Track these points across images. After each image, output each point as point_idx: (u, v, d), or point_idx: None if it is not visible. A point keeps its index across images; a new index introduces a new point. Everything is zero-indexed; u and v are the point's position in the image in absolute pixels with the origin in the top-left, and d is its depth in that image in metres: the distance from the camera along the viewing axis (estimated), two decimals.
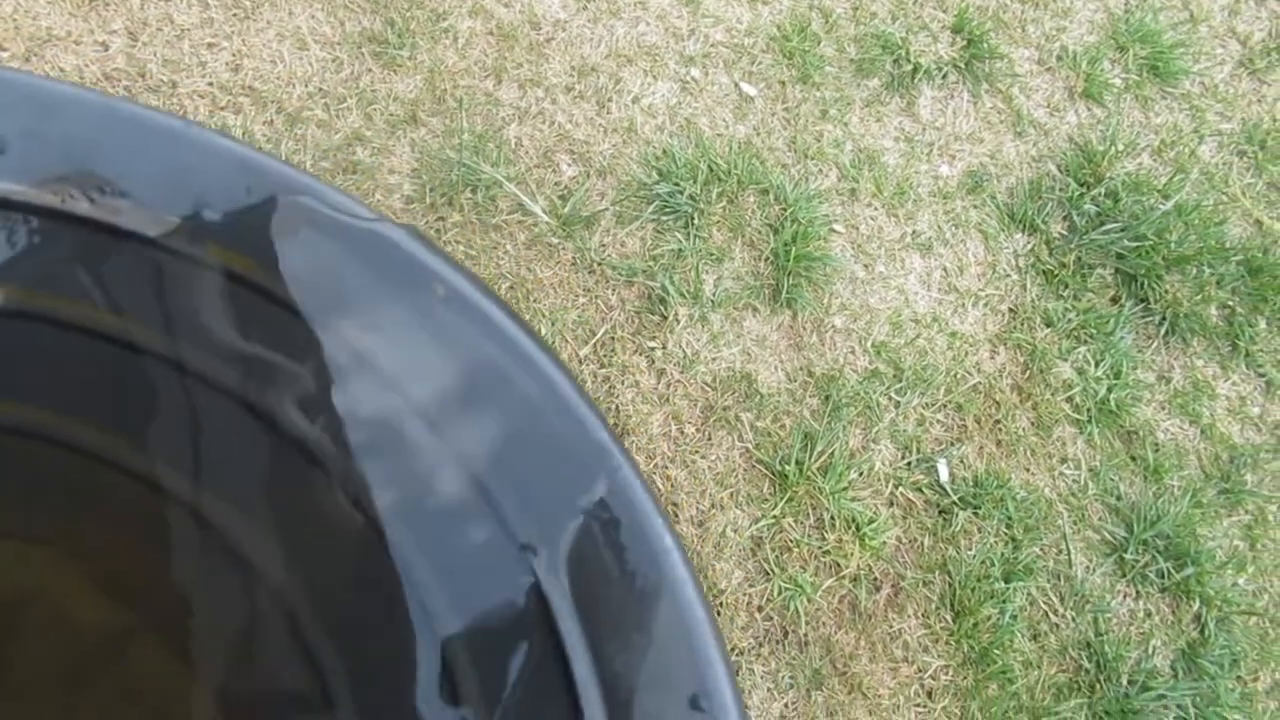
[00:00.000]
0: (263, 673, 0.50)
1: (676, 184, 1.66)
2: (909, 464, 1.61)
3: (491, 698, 0.44)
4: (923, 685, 1.50)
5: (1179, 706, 1.54)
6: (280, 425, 0.47)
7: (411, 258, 0.48)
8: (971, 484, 1.62)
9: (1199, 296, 1.83)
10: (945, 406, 1.66)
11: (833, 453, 1.56)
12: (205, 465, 0.49)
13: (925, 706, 1.49)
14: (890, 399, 1.64)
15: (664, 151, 1.69)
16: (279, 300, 0.47)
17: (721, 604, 1.45)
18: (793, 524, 1.53)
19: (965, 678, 1.51)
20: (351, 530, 0.46)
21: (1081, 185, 1.86)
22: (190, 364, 0.47)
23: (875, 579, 1.54)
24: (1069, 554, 1.62)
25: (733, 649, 1.44)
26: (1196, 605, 1.62)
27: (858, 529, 1.53)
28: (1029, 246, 1.81)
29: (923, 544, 1.57)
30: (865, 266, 1.72)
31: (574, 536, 0.45)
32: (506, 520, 0.46)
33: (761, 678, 1.45)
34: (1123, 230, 1.82)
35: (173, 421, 0.48)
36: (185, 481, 0.49)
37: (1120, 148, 1.91)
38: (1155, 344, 1.80)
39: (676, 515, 1.50)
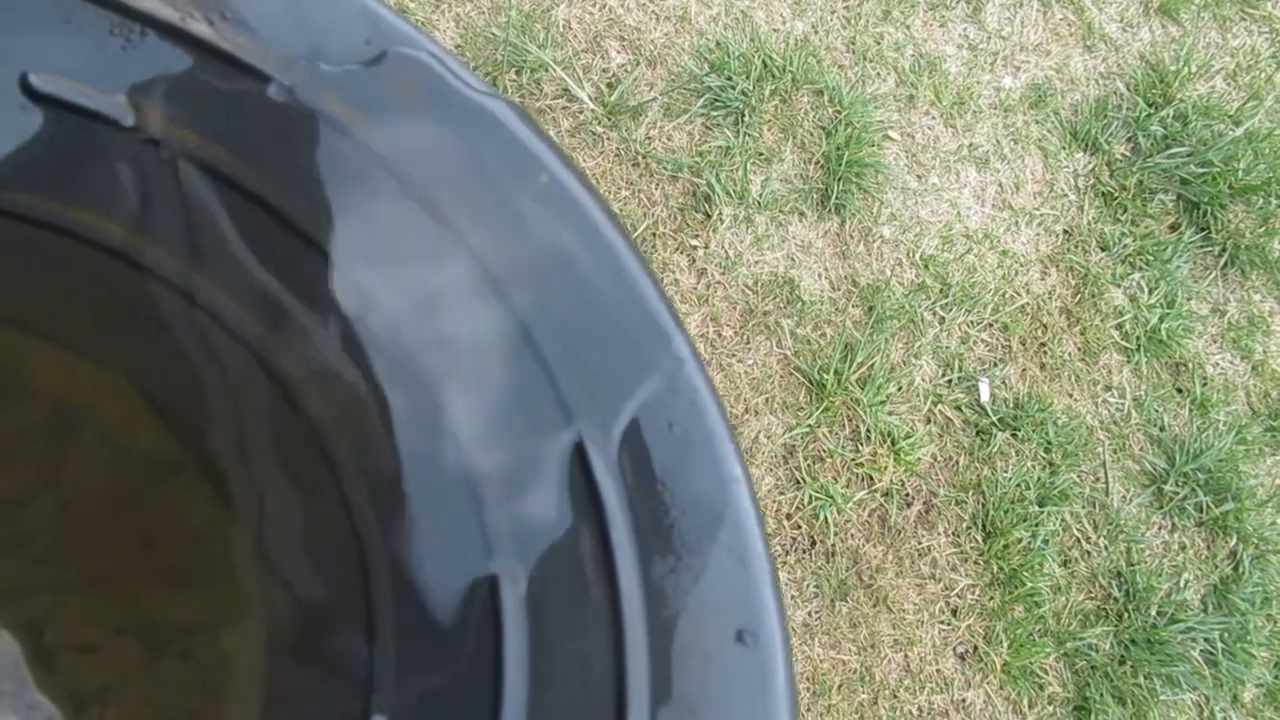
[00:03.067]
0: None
1: (729, 78, 1.59)
2: (950, 381, 1.57)
3: (534, 602, 0.42)
4: (948, 603, 1.48)
5: (1206, 640, 1.52)
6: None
7: (520, 141, 0.46)
8: (1012, 406, 1.58)
9: (1263, 229, 1.75)
10: (991, 326, 1.62)
11: (873, 365, 1.52)
12: None
13: (949, 624, 1.47)
14: (935, 314, 1.59)
15: (718, 44, 1.62)
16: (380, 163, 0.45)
17: None
18: (827, 434, 1.49)
19: (992, 598, 1.49)
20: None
21: (1150, 106, 1.78)
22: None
23: (908, 494, 1.51)
24: (1107, 482, 1.58)
25: None
26: (1233, 541, 1.59)
27: (893, 443, 1.50)
28: (1089, 167, 1.74)
29: (958, 462, 1.54)
30: (918, 177, 1.66)
31: (639, 451, 0.44)
32: (572, 414, 0.44)
33: (786, 585, 1.43)
34: (1189, 155, 1.74)
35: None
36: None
37: (1193, 69, 1.82)
38: (1212, 275, 1.74)
39: None
